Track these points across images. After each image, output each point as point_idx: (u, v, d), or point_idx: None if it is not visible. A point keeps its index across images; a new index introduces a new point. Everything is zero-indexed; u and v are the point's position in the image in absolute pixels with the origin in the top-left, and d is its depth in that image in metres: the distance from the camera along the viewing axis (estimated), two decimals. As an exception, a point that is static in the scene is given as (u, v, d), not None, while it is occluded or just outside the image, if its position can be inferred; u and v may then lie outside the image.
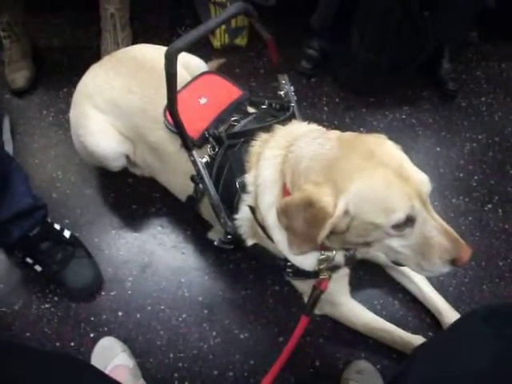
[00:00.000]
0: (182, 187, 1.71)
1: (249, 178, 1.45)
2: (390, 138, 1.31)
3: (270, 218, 1.41)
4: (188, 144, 1.49)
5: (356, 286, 1.71)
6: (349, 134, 1.33)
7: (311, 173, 1.24)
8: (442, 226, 1.20)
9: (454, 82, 2.41)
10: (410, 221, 1.17)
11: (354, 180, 1.17)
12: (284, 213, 1.26)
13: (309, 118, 2.20)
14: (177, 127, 1.45)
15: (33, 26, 2.47)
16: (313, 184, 1.21)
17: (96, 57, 2.26)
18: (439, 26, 2.22)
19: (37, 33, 2.54)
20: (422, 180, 1.19)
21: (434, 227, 1.19)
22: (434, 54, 2.40)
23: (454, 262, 1.21)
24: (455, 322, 1.15)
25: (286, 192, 1.34)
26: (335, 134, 1.34)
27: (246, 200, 1.47)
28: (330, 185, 1.18)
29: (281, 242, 1.43)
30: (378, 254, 1.69)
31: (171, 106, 1.37)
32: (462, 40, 2.51)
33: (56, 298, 1.79)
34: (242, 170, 1.47)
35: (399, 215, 1.15)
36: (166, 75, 1.28)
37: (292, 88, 1.67)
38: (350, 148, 1.23)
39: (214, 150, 1.53)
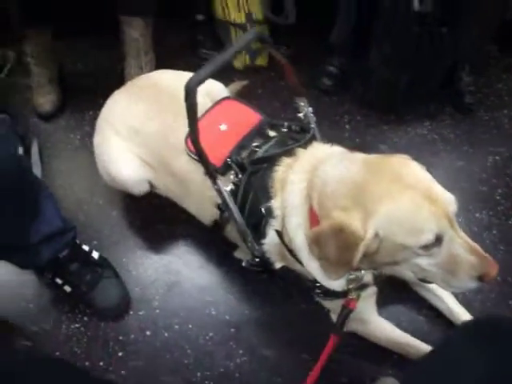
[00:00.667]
0: (206, 213, 1.73)
1: (275, 203, 1.47)
2: (412, 155, 1.33)
3: (298, 240, 1.43)
4: (212, 173, 1.51)
5: (382, 303, 1.71)
6: (374, 157, 1.34)
7: (339, 196, 1.26)
8: (469, 244, 1.22)
9: (472, 95, 2.41)
10: (437, 241, 1.19)
11: (382, 203, 1.18)
12: (315, 242, 1.28)
13: (330, 136, 2.20)
14: (200, 157, 1.47)
15: (58, 51, 2.52)
16: (341, 209, 1.22)
17: (120, 80, 2.32)
18: (457, 41, 2.24)
19: (62, 57, 2.59)
20: (448, 200, 1.21)
21: (461, 245, 1.21)
22: (454, 68, 2.41)
23: (481, 278, 1.22)
24: (446, 338, 1.16)
25: (313, 215, 1.36)
26: (360, 156, 1.36)
27: (273, 225, 1.49)
28: (358, 208, 1.20)
29: (309, 263, 1.45)
30: (403, 270, 1.69)
31: (194, 138, 1.39)
32: (484, 54, 2.51)
33: (85, 318, 1.82)
34: (268, 196, 1.48)
35: (428, 236, 1.17)
36: (187, 107, 1.30)
37: (311, 109, 1.68)
38: (377, 171, 1.25)
39: (237, 177, 1.54)
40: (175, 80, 1.78)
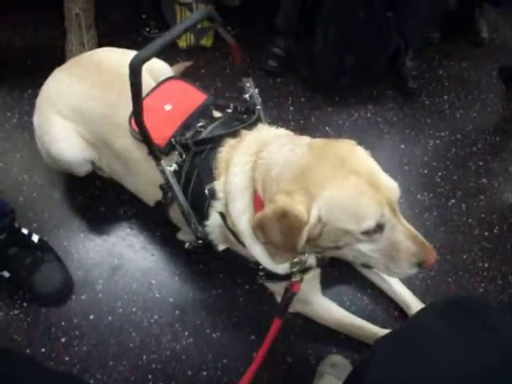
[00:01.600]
0: (149, 194, 1.70)
1: (218, 184, 1.46)
2: (356, 137, 1.35)
3: (242, 225, 1.42)
4: (155, 153, 1.49)
5: (325, 283, 1.73)
6: (319, 141, 1.35)
7: (283, 180, 1.26)
8: (410, 231, 1.25)
9: (415, 80, 2.45)
10: (379, 227, 1.21)
11: (326, 187, 1.19)
12: (259, 228, 1.28)
13: (275, 117, 2.26)
14: (143, 137, 1.44)
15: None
16: (285, 194, 1.22)
17: (61, 58, 2.25)
18: (402, 26, 2.28)
19: (-2, 33, 2.49)
20: (392, 187, 1.23)
21: (402, 232, 1.24)
22: (397, 53, 2.45)
23: (420, 265, 1.26)
24: (413, 316, 1.19)
25: (257, 199, 1.36)
26: (306, 140, 1.36)
27: (216, 206, 1.47)
28: (302, 192, 1.20)
29: (253, 246, 1.45)
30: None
31: (137, 117, 1.36)
32: (425, 40, 2.56)
33: (25, 304, 1.77)
34: (211, 177, 1.47)
35: (369, 222, 1.19)
36: (131, 86, 1.27)
37: (257, 91, 1.67)
38: (322, 155, 1.25)
39: (181, 158, 1.53)
40: (119, 58, 1.74)
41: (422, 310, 1.18)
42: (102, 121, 1.68)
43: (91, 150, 1.77)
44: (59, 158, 1.76)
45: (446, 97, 2.52)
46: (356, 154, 1.27)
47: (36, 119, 1.81)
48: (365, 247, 1.26)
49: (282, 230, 1.23)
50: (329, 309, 1.69)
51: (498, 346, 0.90)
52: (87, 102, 1.70)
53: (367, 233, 1.21)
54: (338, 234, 1.23)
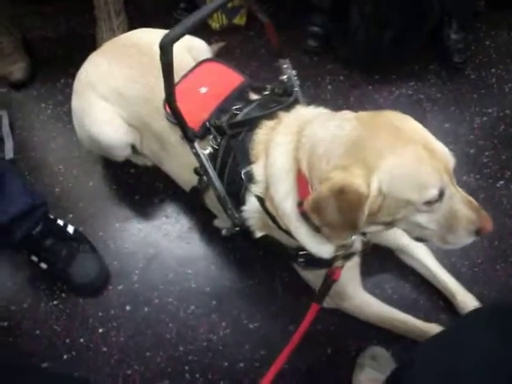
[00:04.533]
0: (186, 178, 1.67)
1: (256, 167, 1.40)
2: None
3: (287, 208, 1.36)
4: (189, 136, 1.44)
5: (366, 271, 1.67)
6: (366, 113, 1.28)
7: (334, 156, 1.20)
8: (467, 198, 1.22)
9: (461, 54, 2.32)
10: (440, 196, 1.17)
11: (384, 158, 1.14)
12: (315, 210, 1.22)
13: (313, 97, 2.18)
14: (176, 119, 1.40)
15: (24, 17, 2.44)
16: (340, 169, 1.16)
17: (91, 46, 2.23)
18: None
19: (28, 24, 2.50)
20: (448, 155, 1.20)
21: (460, 200, 1.21)
22: (441, 25, 2.32)
23: (477, 232, 1.23)
24: (459, 322, 1.13)
25: (301, 179, 1.30)
26: (351, 114, 1.30)
27: (254, 191, 1.42)
28: (359, 165, 1.15)
29: (298, 230, 1.39)
30: (387, 238, 1.66)
31: (169, 98, 1.31)
32: (470, 10, 2.41)
33: (63, 295, 1.79)
34: (248, 160, 1.42)
35: (433, 191, 1.15)
36: (162, 66, 1.22)
37: (294, 72, 1.61)
38: (374, 127, 1.21)
39: (216, 141, 1.49)
40: (156, 39, 1.69)
41: (467, 317, 1.12)
42: (141, 103, 1.67)
43: (133, 132, 1.76)
44: (102, 140, 1.74)
45: (493, 70, 2.37)
46: (409, 123, 1.23)
47: (76, 103, 1.81)
48: (423, 218, 1.22)
49: (340, 207, 1.17)
50: (370, 303, 1.63)
51: None
52: (127, 84, 1.69)
53: (429, 202, 1.16)
54: (399, 206, 1.19)
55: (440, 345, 1.03)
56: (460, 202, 1.20)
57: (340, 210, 1.18)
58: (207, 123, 1.50)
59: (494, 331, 0.92)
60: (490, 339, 0.91)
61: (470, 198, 1.23)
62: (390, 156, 1.14)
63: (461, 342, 0.96)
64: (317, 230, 1.33)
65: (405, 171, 1.15)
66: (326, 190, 1.16)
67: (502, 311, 0.98)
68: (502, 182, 2.00)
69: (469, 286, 1.68)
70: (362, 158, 1.15)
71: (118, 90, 1.70)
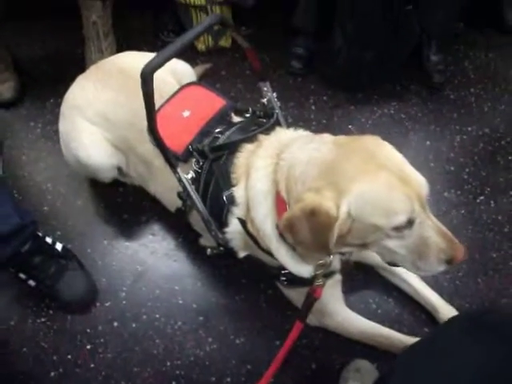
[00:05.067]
0: (170, 199, 1.70)
1: (238, 190, 1.44)
2: (380, 135, 1.31)
3: (267, 229, 1.40)
4: (171, 161, 1.48)
5: (350, 287, 1.71)
6: (344, 137, 1.32)
7: (309, 178, 1.24)
8: (438, 227, 1.23)
9: (440, 75, 2.39)
10: (409, 223, 1.19)
11: (355, 182, 1.17)
12: (288, 229, 1.26)
13: (297, 117, 2.23)
14: (158, 146, 1.44)
15: (13, 36, 2.46)
16: (312, 191, 1.20)
17: (80, 65, 2.27)
18: (424, 19, 2.22)
19: (18, 43, 2.52)
20: (421, 182, 1.21)
21: (431, 228, 1.22)
22: (421, 47, 2.39)
23: (449, 262, 1.23)
24: (434, 331, 1.16)
25: (280, 201, 1.34)
26: (328, 137, 1.34)
27: (236, 213, 1.46)
28: (330, 188, 1.18)
29: (278, 250, 1.43)
30: (369, 256, 1.69)
31: (151, 126, 1.36)
32: (449, 32, 2.49)
33: (51, 312, 1.79)
34: (229, 183, 1.46)
35: (401, 218, 1.17)
36: (143, 95, 1.27)
37: (275, 94, 1.65)
38: (349, 151, 1.24)
39: (199, 164, 1.52)
40: (140, 62, 1.73)
41: (445, 325, 1.15)
42: (127, 127, 1.69)
43: (118, 155, 1.78)
44: (87, 163, 1.77)
45: (472, 89, 2.44)
46: (384, 149, 1.25)
47: (62, 126, 1.83)
48: (393, 243, 1.23)
49: (311, 228, 1.20)
50: (352, 320, 1.65)
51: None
52: (113, 108, 1.72)
53: (397, 228, 1.19)
54: (368, 230, 1.21)
55: (418, 353, 1.06)
56: (431, 230, 1.21)
57: (311, 231, 1.21)
58: (190, 147, 1.53)
59: (468, 337, 0.95)
60: (465, 345, 0.94)
61: (443, 227, 1.24)
62: (361, 181, 1.17)
63: (438, 348, 0.99)
64: (295, 249, 1.36)
65: (374, 196, 1.17)
66: (298, 211, 1.20)
67: (474, 318, 1.02)
68: (482, 198, 2.06)
69: (450, 299, 1.72)
70: (335, 181, 1.18)
71: (103, 113, 1.73)
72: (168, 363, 1.69)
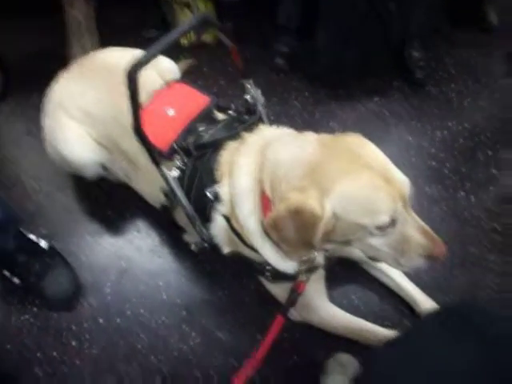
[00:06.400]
0: (155, 196, 1.71)
1: (222, 187, 1.46)
2: (361, 130, 1.34)
3: (251, 226, 1.43)
4: (156, 159, 1.49)
5: (332, 282, 1.73)
6: (328, 136, 1.34)
7: (293, 177, 1.25)
8: (420, 225, 1.26)
9: (422, 70, 2.42)
10: (392, 222, 1.21)
11: (339, 182, 1.19)
12: (273, 227, 1.28)
13: (279, 113, 2.25)
14: (143, 144, 1.45)
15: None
16: (297, 190, 1.22)
17: (63, 62, 2.24)
18: (406, 16, 2.24)
19: (1, 40, 2.51)
20: (404, 182, 1.23)
21: (413, 226, 1.25)
22: (403, 43, 2.41)
23: (429, 258, 1.28)
24: (415, 324, 1.18)
25: (264, 199, 1.36)
26: (312, 136, 1.36)
27: (220, 209, 1.48)
28: (315, 187, 1.20)
29: (262, 246, 1.45)
30: (352, 251, 1.71)
31: (136, 124, 1.37)
32: (430, 29, 2.51)
33: (35, 309, 1.80)
34: (213, 180, 1.48)
35: (384, 217, 1.20)
36: (129, 93, 1.28)
37: (259, 91, 1.66)
38: (333, 150, 1.25)
39: (183, 162, 1.53)
40: (123, 58, 1.73)
41: (424, 320, 1.18)
42: (110, 122, 1.70)
43: (103, 151, 1.79)
44: (72, 159, 1.78)
45: (452, 85, 2.48)
46: (368, 148, 1.27)
47: (46, 122, 1.83)
48: (376, 241, 1.26)
49: (296, 226, 1.23)
50: (335, 314, 1.67)
51: (487, 354, 0.90)
52: (95, 103, 1.72)
53: (380, 227, 1.21)
54: (352, 229, 1.24)
55: (396, 347, 1.09)
56: (413, 228, 1.25)
57: (296, 229, 1.23)
58: (174, 145, 1.54)
59: (448, 333, 0.98)
60: (446, 343, 0.96)
61: (424, 225, 1.27)
62: (345, 180, 1.19)
63: (417, 342, 1.02)
64: (279, 246, 1.39)
65: (358, 196, 1.20)
66: (283, 210, 1.22)
67: (453, 313, 1.04)
68: (462, 193, 2.09)
69: (431, 293, 1.74)
70: (319, 180, 1.21)
71: (86, 109, 1.73)
72: (152, 358, 1.71)
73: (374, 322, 1.68)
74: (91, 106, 1.73)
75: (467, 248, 1.93)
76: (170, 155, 1.54)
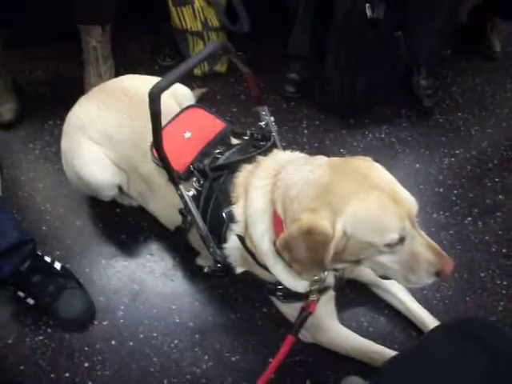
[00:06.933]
0: (170, 218, 1.75)
1: (237, 208, 1.50)
2: (371, 157, 1.38)
3: (264, 245, 1.47)
4: (174, 179, 1.54)
5: (342, 305, 1.75)
6: (338, 159, 1.40)
7: (304, 198, 1.30)
8: (428, 242, 1.30)
9: (430, 99, 2.47)
10: (401, 239, 1.25)
11: (349, 203, 1.23)
12: (285, 248, 1.32)
13: (290, 141, 2.29)
14: (163, 163, 1.50)
15: (15, 59, 2.51)
16: (309, 211, 1.26)
17: (79, 89, 2.31)
18: (413, 45, 2.30)
19: (20, 65, 2.58)
20: (411, 201, 1.28)
21: (421, 243, 1.29)
22: (410, 72, 2.47)
23: (438, 274, 1.31)
24: (420, 339, 1.20)
25: (276, 219, 1.40)
26: (323, 159, 1.41)
27: (235, 230, 1.52)
28: (326, 208, 1.24)
29: (275, 266, 1.49)
30: (362, 274, 1.74)
31: (157, 144, 1.42)
32: (437, 58, 2.57)
33: (49, 330, 1.81)
34: (229, 201, 1.52)
35: (393, 235, 1.24)
36: (151, 114, 1.33)
37: (272, 118, 1.71)
38: (343, 172, 1.31)
39: (199, 183, 1.58)
40: (144, 85, 1.79)
41: (431, 332, 1.20)
42: (129, 146, 1.75)
43: (120, 174, 1.84)
44: (90, 180, 1.82)
45: (459, 113, 2.53)
46: (376, 170, 1.32)
47: (65, 144, 1.88)
48: (386, 259, 1.30)
49: (308, 246, 1.26)
50: (345, 336, 1.68)
51: (494, 371, 0.92)
52: (116, 128, 1.77)
53: (389, 245, 1.25)
54: (362, 247, 1.28)
55: (405, 362, 1.11)
56: (421, 245, 1.29)
57: (308, 249, 1.27)
58: (191, 166, 1.59)
59: (454, 347, 1.00)
60: (452, 355, 0.98)
61: (432, 242, 1.31)
62: (355, 201, 1.24)
63: (425, 358, 1.03)
64: (291, 265, 1.42)
65: (367, 215, 1.24)
66: (295, 230, 1.26)
67: (463, 326, 1.07)
68: (469, 219, 2.12)
69: (440, 317, 1.75)
70: (330, 201, 1.25)
71: (106, 132, 1.79)
72: (165, 381, 1.71)
73: (383, 344, 1.69)
74: (112, 130, 1.78)
75: (476, 273, 1.95)
76: (186, 177, 1.59)
